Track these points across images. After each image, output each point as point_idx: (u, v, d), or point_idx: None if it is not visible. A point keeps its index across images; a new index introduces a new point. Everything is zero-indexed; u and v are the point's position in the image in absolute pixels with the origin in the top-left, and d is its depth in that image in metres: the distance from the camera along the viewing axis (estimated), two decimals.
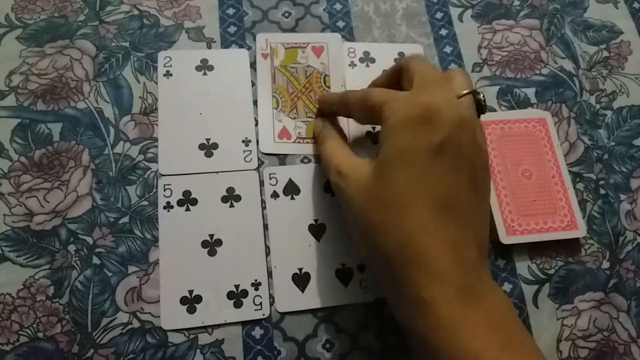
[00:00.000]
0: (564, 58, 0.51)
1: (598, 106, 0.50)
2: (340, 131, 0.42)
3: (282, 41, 0.48)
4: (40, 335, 0.37)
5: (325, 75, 0.47)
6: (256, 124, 0.45)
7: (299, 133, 0.45)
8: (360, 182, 0.34)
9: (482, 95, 0.35)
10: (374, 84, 0.42)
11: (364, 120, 0.40)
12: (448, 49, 0.50)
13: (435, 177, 0.32)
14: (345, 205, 0.35)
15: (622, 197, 0.47)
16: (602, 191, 0.46)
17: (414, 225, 0.31)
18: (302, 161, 0.44)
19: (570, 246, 0.44)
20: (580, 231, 0.44)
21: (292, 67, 0.47)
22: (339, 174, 0.36)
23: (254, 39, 0.48)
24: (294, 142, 0.45)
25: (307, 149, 0.45)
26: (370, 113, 0.36)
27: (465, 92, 0.34)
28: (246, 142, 0.44)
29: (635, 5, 0.54)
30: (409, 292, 0.31)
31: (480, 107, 0.35)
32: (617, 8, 0.54)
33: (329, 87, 0.47)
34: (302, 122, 0.45)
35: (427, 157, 0.31)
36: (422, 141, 0.32)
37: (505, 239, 0.43)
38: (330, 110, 0.43)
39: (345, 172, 0.35)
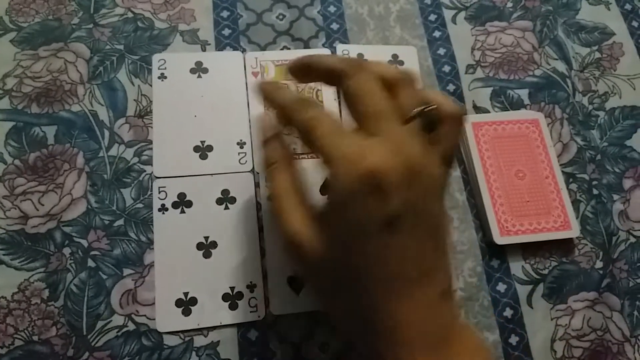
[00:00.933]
0: (556, 59, 0.51)
1: (591, 107, 0.50)
2: (294, 172, 0.34)
3: (271, 59, 0.48)
4: (36, 338, 0.37)
5: (317, 90, 0.47)
6: (251, 127, 0.45)
7: (294, 149, 0.45)
8: (318, 261, 0.31)
9: (431, 107, 0.32)
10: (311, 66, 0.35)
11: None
12: (442, 51, 0.50)
13: (395, 248, 0.29)
14: (305, 276, 0.34)
15: (615, 197, 0.47)
16: (595, 191, 0.47)
17: (378, 299, 0.30)
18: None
19: (564, 246, 0.45)
20: (573, 231, 0.44)
21: (283, 84, 0.47)
22: (294, 245, 0.32)
23: (249, 42, 0.48)
24: None
25: (303, 165, 0.44)
26: (313, 149, 0.32)
27: (413, 113, 0.31)
28: (241, 144, 0.44)
29: (627, 7, 0.55)
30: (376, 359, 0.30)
31: (430, 123, 0.32)
32: (609, 10, 0.55)
33: (322, 102, 0.46)
34: (297, 137, 0.45)
35: (383, 230, 0.29)
36: (374, 214, 0.29)
37: (499, 239, 0.43)
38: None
39: (301, 244, 0.31)
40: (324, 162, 0.31)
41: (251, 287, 0.40)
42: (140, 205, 0.42)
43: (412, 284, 0.30)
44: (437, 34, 0.51)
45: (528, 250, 0.44)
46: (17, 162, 0.41)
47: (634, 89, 0.51)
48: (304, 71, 0.35)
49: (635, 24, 0.54)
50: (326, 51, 0.48)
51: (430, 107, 0.31)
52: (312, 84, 0.47)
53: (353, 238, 0.30)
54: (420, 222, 0.30)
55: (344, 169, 0.29)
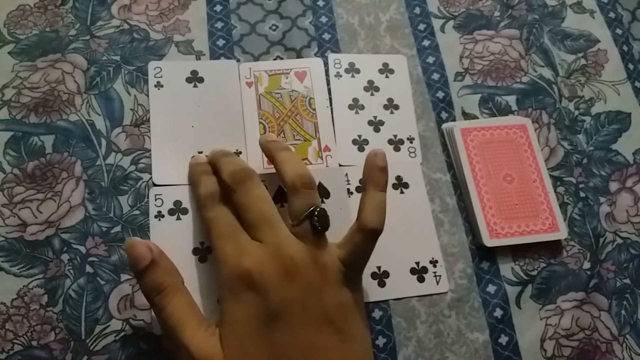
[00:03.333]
0: (543, 66, 0.52)
1: (577, 112, 0.51)
2: (184, 292, 0.35)
3: (265, 69, 0.49)
4: (35, 343, 0.38)
5: (310, 98, 0.48)
6: (245, 136, 0.46)
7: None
8: None
9: (317, 210, 0.35)
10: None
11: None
12: (431, 59, 0.51)
13: (283, 343, 0.31)
14: None
15: (602, 199, 0.48)
16: (582, 194, 0.48)
17: None
18: None
19: (552, 248, 0.46)
20: (561, 233, 0.45)
21: (276, 93, 0.48)
22: None
23: (242, 52, 0.49)
24: None
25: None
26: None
27: (299, 219, 0.34)
28: (237, 153, 0.45)
29: (611, 15, 0.56)
30: None
31: (315, 226, 0.34)
32: (594, 18, 0.56)
33: (314, 110, 0.47)
34: (291, 145, 0.46)
35: (266, 326, 0.31)
36: (253, 311, 0.31)
37: (488, 241, 0.44)
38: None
39: (197, 359, 0.32)
40: (215, 261, 0.35)
41: None
42: (137, 212, 0.42)
43: None
44: (426, 42, 0.52)
45: (517, 252, 0.45)
46: (15, 170, 0.42)
47: (619, 94, 0.53)
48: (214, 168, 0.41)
49: (619, 31, 0.56)
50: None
51: (314, 211, 0.35)
52: (304, 92, 0.48)
53: (242, 338, 0.32)
54: (309, 315, 0.32)
55: (224, 270, 0.34)
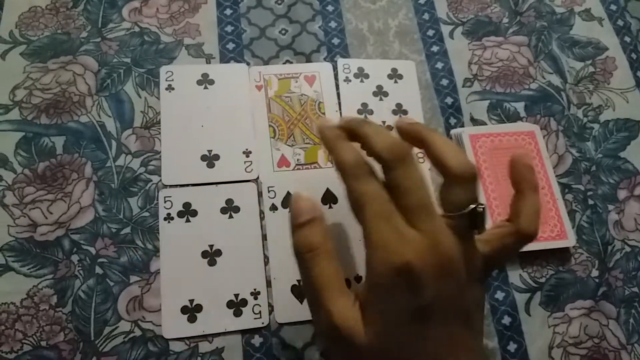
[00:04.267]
0: (551, 73, 0.52)
1: (585, 119, 0.51)
2: (334, 258, 0.33)
3: (274, 72, 0.49)
4: (44, 343, 0.38)
5: (320, 102, 0.48)
6: (255, 136, 0.46)
7: (297, 160, 0.46)
8: (361, 347, 0.31)
9: (481, 208, 0.32)
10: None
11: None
12: (439, 65, 0.52)
13: (427, 337, 0.31)
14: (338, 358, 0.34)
15: (610, 207, 0.48)
16: (591, 202, 0.48)
17: None
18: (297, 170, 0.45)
19: (561, 255, 0.45)
20: (569, 241, 0.45)
21: (286, 97, 0.48)
22: (331, 325, 0.31)
23: (252, 55, 0.49)
24: (293, 169, 0.46)
25: (307, 175, 0.45)
26: (358, 222, 0.33)
27: (460, 213, 0.31)
28: (247, 153, 0.45)
29: (620, 22, 0.56)
30: None
31: (475, 223, 0.32)
32: (602, 26, 0.56)
33: (323, 114, 0.48)
34: (300, 148, 0.46)
35: (414, 319, 0.30)
36: (405, 305, 0.30)
37: None
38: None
39: (337, 325, 0.31)
40: (365, 242, 0.32)
41: (255, 294, 0.41)
42: (147, 214, 0.42)
43: None
44: (435, 48, 0.52)
45: (526, 259, 0.45)
46: (26, 171, 0.42)
47: (627, 102, 0.53)
48: (352, 137, 0.35)
49: (627, 39, 0.56)
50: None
51: (478, 207, 0.32)
52: (314, 97, 0.48)
53: (389, 325, 0.31)
54: (453, 311, 0.31)
55: (382, 258, 0.31)
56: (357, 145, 0.34)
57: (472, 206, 0.31)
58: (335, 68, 0.50)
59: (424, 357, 0.31)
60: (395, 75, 0.51)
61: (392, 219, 0.31)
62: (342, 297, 0.32)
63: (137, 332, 0.39)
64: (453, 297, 0.31)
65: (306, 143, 0.46)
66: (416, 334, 0.31)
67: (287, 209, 0.44)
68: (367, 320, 0.31)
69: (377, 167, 0.33)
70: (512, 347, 0.42)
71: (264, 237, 0.43)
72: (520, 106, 0.51)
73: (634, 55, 0.55)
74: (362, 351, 0.30)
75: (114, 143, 0.44)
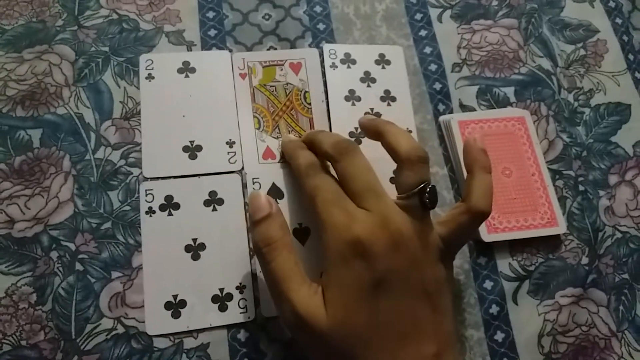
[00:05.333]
0: (541, 57, 0.51)
1: (576, 104, 0.51)
2: (292, 248, 0.35)
3: (259, 59, 0.48)
4: (24, 343, 0.37)
5: (305, 91, 0.47)
6: (239, 126, 0.45)
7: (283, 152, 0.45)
8: (324, 330, 0.32)
9: (429, 187, 0.34)
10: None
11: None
12: (428, 50, 0.50)
13: (385, 310, 0.32)
14: (307, 346, 0.35)
15: (601, 193, 0.48)
16: (581, 188, 0.47)
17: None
18: (284, 163, 0.44)
19: (551, 243, 0.45)
20: (560, 228, 0.44)
21: (271, 86, 0.47)
22: (294, 315, 0.33)
23: (235, 42, 0.48)
24: (278, 161, 0.44)
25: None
26: (313, 214, 0.36)
27: (409, 193, 0.34)
28: (230, 143, 0.44)
29: (611, 4, 0.55)
30: None
31: (424, 202, 0.34)
32: (593, 7, 0.55)
33: (309, 104, 0.47)
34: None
35: (371, 293, 0.32)
36: (362, 278, 0.32)
37: (486, 236, 0.43)
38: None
39: (300, 314, 0.32)
40: (320, 228, 0.35)
41: (240, 288, 0.40)
42: (128, 207, 0.41)
43: (400, 345, 0.32)
44: (423, 32, 0.51)
45: (515, 247, 0.44)
46: (2, 166, 0.41)
47: (619, 85, 0.52)
48: (309, 145, 0.41)
49: (619, 21, 0.55)
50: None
51: (425, 187, 0.34)
52: (299, 86, 0.47)
53: (348, 301, 0.32)
54: (410, 286, 0.33)
55: (334, 236, 0.34)
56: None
57: (421, 186, 0.34)
58: (321, 54, 0.49)
59: (386, 334, 0.32)
60: (382, 60, 0.49)
61: (341, 203, 0.35)
62: (303, 287, 0.33)
63: (120, 329, 0.38)
64: (408, 272, 0.33)
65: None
66: (375, 309, 0.32)
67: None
68: (328, 303, 0.33)
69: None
70: (499, 336, 0.42)
71: (249, 230, 0.42)
72: (510, 91, 0.50)
73: (625, 38, 0.54)
74: (326, 335, 0.32)
75: (92, 135, 0.43)
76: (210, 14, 0.49)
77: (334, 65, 0.48)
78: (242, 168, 0.44)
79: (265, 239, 0.34)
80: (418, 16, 0.52)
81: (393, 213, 0.34)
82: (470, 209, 0.36)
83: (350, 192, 0.35)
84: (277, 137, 0.45)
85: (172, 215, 0.42)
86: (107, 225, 0.41)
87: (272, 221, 0.35)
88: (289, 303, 0.33)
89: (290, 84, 0.47)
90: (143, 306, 0.39)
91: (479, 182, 0.37)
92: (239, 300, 0.40)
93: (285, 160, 0.43)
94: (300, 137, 0.44)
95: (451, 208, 0.37)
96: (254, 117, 0.45)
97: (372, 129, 0.39)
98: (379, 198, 0.34)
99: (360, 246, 0.32)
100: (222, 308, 0.40)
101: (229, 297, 0.40)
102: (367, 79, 0.48)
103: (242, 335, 0.40)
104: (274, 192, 0.43)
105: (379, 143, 0.38)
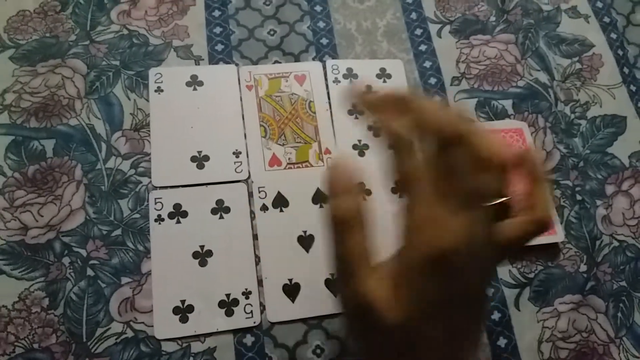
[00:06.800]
0: (538, 70, 0.53)
1: (573, 116, 0.52)
2: (368, 231, 0.32)
3: (265, 72, 0.49)
4: (36, 346, 0.38)
5: (310, 101, 0.49)
6: (246, 137, 0.46)
7: (289, 159, 0.46)
8: (392, 323, 0.30)
9: (510, 201, 0.33)
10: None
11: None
12: (427, 64, 0.52)
13: (453, 319, 0.31)
14: (362, 335, 0.33)
15: (598, 202, 0.49)
16: (579, 197, 0.48)
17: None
18: (289, 170, 0.46)
19: (550, 251, 0.46)
20: (558, 236, 0.45)
21: (276, 96, 0.48)
22: (366, 303, 0.30)
23: (241, 57, 0.50)
24: (284, 168, 0.46)
25: (298, 174, 0.46)
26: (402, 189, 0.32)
27: (493, 203, 0.31)
28: (236, 153, 0.45)
29: (606, 19, 0.57)
30: None
31: (502, 214, 0.32)
32: (589, 23, 0.57)
33: (314, 113, 0.48)
34: (291, 147, 0.46)
35: (445, 304, 0.30)
36: (440, 290, 0.30)
37: None
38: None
39: (373, 304, 0.30)
40: (406, 217, 0.31)
41: (246, 293, 0.41)
42: (137, 215, 0.43)
43: (454, 350, 0.31)
44: (423, 47, 0.53)
45: (515, 255, 0.45)
46: (16, 175, 0.43)
47: (614, 98, 0.53)
48: (396, 105, 0.34)
49: (613, 35, 0.56)
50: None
51: (506, 200, 0.32)
52: (304, 96, 0.48)
53: (421, 306, 0.30)
54: (474, 297, 0.32)
55: (422, 242, 0.30)
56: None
57: (504, 199, 0.31)
58: (324, 67, 0.50)
59: (447, 338, 0.31)
60: (383, 74, 0.51)
61: (439, 202, 0.30)
62: (374, 274, 0.31)
63: (130, 333, 0.39)
64: (477, 283, 0.32)
65: (297, 142, 0.47)
66: (443, 317, 0.30)
67: (278, 209, 0.44)
68: (398, 299, 0.30)
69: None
70: (502, 342, 0.43)
71: (255, 237, 0.43)
72: (508, 104, 0.51)
73: (620, 52, 0.55)
74: (391, 329, 0.30)
75: (103, 145, 0.44)
76: (217, 30, 0.50)
77: (336, 80, 0.50)
78: (249, 177, 0.45)
79: (342, 215, 0.31)
80: (418, 31, 0.54)
81: (480, 225, 0.31)
82: (539, 220, 0.34)
83: (450, 185, 0.31)
84: (283, 145, 0.46)
85: (180, 222, 0.43)
86: (118, 232, 0.42)
87: (352, 196, 0.31)
88: (358, 289, 0.30)
89: (295, 94, 0.48)
90: (152, 311, 0.40)
91: (543, 192, 0.35)
92: (245, 306, 0.41)
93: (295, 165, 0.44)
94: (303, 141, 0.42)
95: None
96: (261, 125, 0.47)
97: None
98: (471, 204, 0.31)
99: (447, 262, 0.30)
100: (229, 313, 0.41)
101: (235, 302, 0.41)
102: (369, 93, 0.49)
103: (248, 339, 0.40)
104: (279, 200, 0.44)
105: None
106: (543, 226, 0.35)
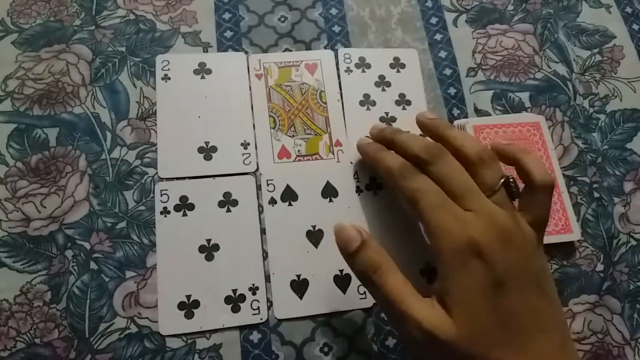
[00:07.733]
0: (557, 62, 0.51)
1: (591, 110, 0.50)
2: (396, 268, 0.35)
3: (275, 60, 0.48)
4: (38, 341, 0.37)
5: (321, 91, 0.47)
6: (254, 127, 0.45)
7: (298, 151, 0.45)
8: (449, 339, 0.32)
9: (511, 179, 0.35)
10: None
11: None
12: (443, 54, 0.50)
13: (508, 307, 0.32)
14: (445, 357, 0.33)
15: (616, 200, 0.47)
16: (596, 194, 0.47)
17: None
18: (298, 162, 0.44)
19: (565, 249, 0.45)
20: (574, 234, 0.44)
21: (286, 86, 0.47)
22: (421, 331, 0.32)
23: (250, 44, 0.48)
24: (294, 160, 0.45)
25: (308, 166, 0.44)
26: (416, 218, 0.37)
27: (495, 188, 0.35)
28: (245, 144, 0.44)
29: (628, 10, 0.55)
30: None
31: (511, 193, 0.35)
32: (610, 13, 0.55)
33: (325, 103, 0.47)
34: (301, 139, 0.45)
35: (493, 292, 0.32)
36: (483, 279, 0.32)
37: None
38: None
39: (428, 329, 0.32)
40: (428, 233, 0.35)
41: (253, 289, 0.40)
42: (143, 207, 0.42)
43: (528, 340, 0.32)
44: (438, 36, 0.51)
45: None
46: (19, 164, 0.41)
47: (635, 91, 0.52)
48: (388, 145, 0.41)
49: (635, 27, 0.54)
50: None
51: (507, 179, 0.35)
52: (315, 86, 0.47)
53: (473, 305, 0.32)
54: (525, 279, 0.33)
55: (448, 242, 0.33)
56: None
57: (503, 179, 0.35)
58: (336, 56, 0.49)
59: (513, 331, 0.32)
60: (397, 64, 0.49)
61: (447, 206, 0.34)
62: (420, 302, 0.33)
63: (133, 329, 0.39)
64: (520, 264, 0.33)
65: (307, 133, 0.45)
66: (499, 307, 0.32)
67: (287, 203, 0.43)
68: (451, 310, 0.32)
69: None
70: None
71: (263, 231, 0.42)
72: (525, 96, 0.49)
73: None
74: (456, 342, 0.31)
75: (108, 135, 0.43)
76: (227, 16, 0.49)
77: (348, 70, 0.48)
78: (257, 169, 0.44)
79: (370, 266, 0.34)
80: (433, 20, 0.52)
81: (495, 210, 0.34)
82: (539, 186, 0.36)
83: (450, 194, 0.35)
84: (293, 136, 0.45)
85: (186, 215, 0.42)
86: (122, 224, 0.41)
87: (369, 247, 0.34)
88: (412, 320, 0.32)
89: (306, 83, 0.47)
90: (156, 306, 0.39)
91: (529, 160, 0.37)
92: (252, 302, 0.40)
93: (303, 158, 0.44)
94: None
95: (521, 194, 0.37)
96: (270, 116, 0.45)
97: (431, 130, 0.40)
98: (479, 197, 0.34)
99: (477, 247, 0.32)
100: (235, 309, 0.40)
101: (242, 298, 0.40)
102: (382, 82, 0.48)
103: (254, 336, 0.40)
104: (288, 193, 0.43)
105: None
106: (547, 189, 0.37)
